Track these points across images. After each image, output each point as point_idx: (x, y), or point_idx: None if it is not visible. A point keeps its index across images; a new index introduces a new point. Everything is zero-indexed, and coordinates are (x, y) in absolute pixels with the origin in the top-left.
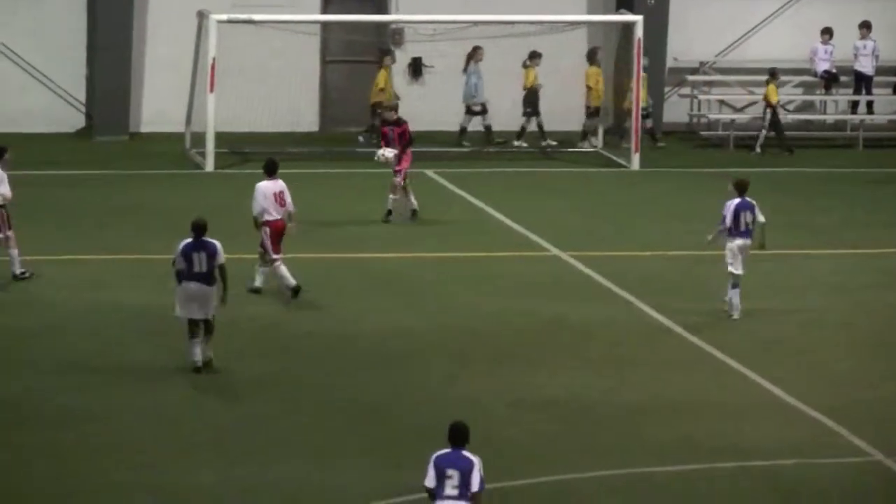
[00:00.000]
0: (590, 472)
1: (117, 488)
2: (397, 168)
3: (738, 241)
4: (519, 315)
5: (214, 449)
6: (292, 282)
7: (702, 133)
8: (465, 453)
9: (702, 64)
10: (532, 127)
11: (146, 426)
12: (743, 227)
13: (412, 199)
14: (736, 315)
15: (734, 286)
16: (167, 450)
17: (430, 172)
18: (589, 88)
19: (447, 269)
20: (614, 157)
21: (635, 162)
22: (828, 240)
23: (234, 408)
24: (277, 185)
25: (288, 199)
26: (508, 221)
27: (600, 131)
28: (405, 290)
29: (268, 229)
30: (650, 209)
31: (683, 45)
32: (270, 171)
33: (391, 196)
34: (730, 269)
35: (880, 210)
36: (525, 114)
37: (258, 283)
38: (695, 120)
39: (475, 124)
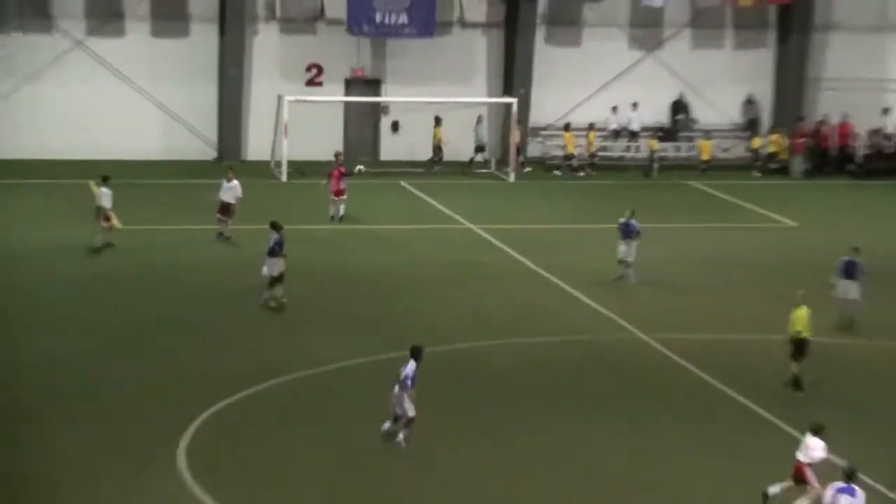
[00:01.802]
0: (478, 342)
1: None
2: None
3: None
4: (450, 259)
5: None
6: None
7: (548, 162)
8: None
9: (548, 125)
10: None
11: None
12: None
13: (342, 208)
14: (629, 274)
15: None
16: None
17: (403, 183)
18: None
19: (412, 234)
20: (500, 175)
21: (512, 177)
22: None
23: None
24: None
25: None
26: (445, 209)
27: (493, 160)
28: (389, 245)
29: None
30: (522, 203)
31: (538, 114)
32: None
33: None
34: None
35: (652, 205)
36: (475, 152)
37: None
38: (544, 154)
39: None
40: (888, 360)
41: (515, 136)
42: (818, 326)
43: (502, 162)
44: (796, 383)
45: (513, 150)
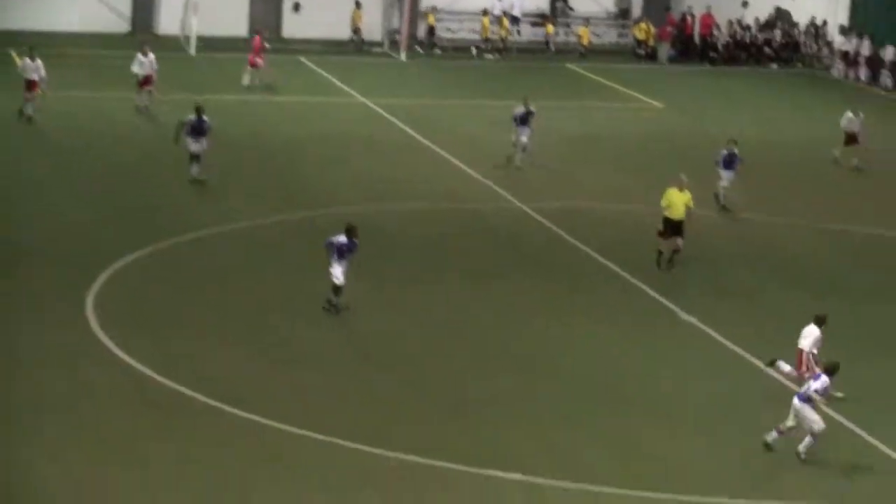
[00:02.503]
0: (369, 206)
1: None
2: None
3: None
4: (345, 130)
5: None
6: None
7: (436, 43)
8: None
9: (434, 8)
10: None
11: None
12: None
13: (255, 77)
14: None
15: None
16: None
17: (303, 59)
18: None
19: (313, 107)
20: (393, 54)
21: (403, 56)
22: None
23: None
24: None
25: None
26: (341, 84)
27: (387, 41)
28: (292, 116)
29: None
30: (411, 78)
31: None
32: None
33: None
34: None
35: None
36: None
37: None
38: (432, 36)
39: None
40: (759, 235)
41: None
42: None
43: (394, 42)
44: (667, 260)
45: (404, 31)
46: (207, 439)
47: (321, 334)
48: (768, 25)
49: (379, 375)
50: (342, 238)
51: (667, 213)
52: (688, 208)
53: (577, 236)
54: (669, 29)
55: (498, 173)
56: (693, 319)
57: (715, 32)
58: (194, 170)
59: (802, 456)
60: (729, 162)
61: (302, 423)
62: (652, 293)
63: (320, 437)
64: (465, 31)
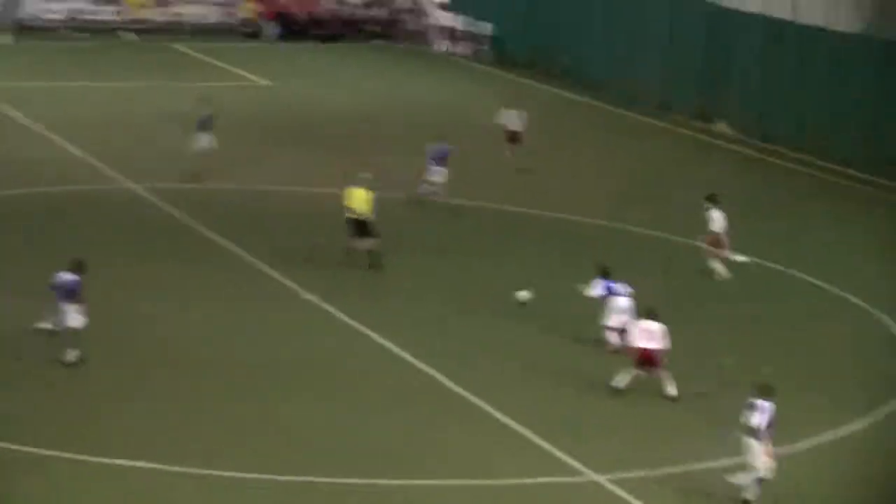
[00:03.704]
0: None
1: None
2: None
3: None
4: None
5: None
6: None
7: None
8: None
9: None
10: None
11: None
12: None
13: None
14: None
15: None
16: None
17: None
18: None
19: None
20: None
21: (10, 39)
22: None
23: None
24: None
25: None
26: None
27: None
28: None
29: None
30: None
31: None
32: None
33: None
34: None
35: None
36: None
37: None
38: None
39: None
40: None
41: None
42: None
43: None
44: (369, 264)
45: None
46: None
47: None
48: (372, 2)
49: None
50: (68, 276)
51: (349, 214)
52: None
53: (192, 216)
54: (273, 7)
55: (103, 153)
56: (314, 297)
57: (318, 9)
58: None
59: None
60: (441, 159)
61: None
62: (272, 272)
63: None
64: (62, 13)
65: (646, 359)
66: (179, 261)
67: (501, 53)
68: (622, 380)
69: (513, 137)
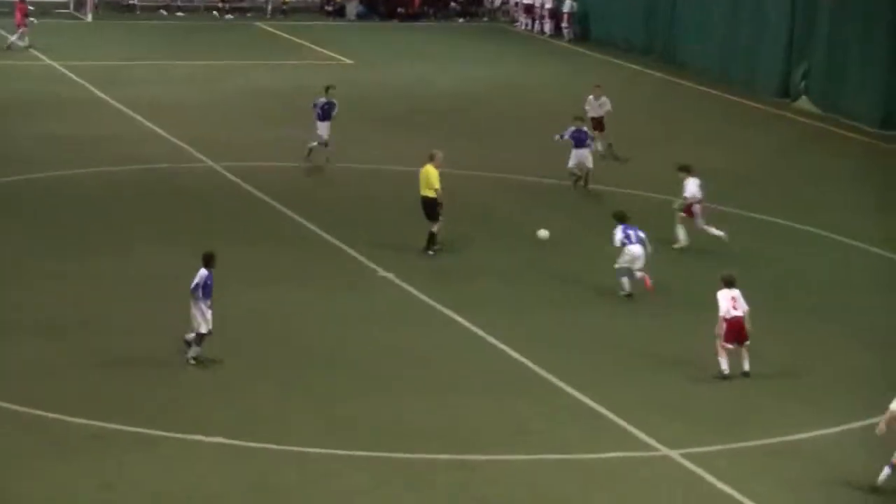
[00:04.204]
0: (66, 171)
1: None
2: None
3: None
4: (31, 90)
5: None
6: None
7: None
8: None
9: None
10: None
11: None
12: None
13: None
14: None
15: None
16: None
17: None
18: None
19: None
20: (79, 15)
21: (89, 17)
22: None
23: None
24: None
25: None
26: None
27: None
28: None
29: None
30: (99, 40)
31: None
32: None
33: None
34: None
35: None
36: None
37: None
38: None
39: None
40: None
41: None
42: None
43: (80, 3)
44: (429, 243)
45: None
46: None
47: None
48: None
49: (62, 344)
50: (203, 271)
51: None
52: (434, 189)
53: (272, 195)
54: None
55: (189, 134)
56: (391, 276)
57: None
58: None
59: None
60: (580, 140)
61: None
62: (350, 251)
63: (19, 408)
64: None
65: (736, 327)
66: (272, 244)
67: (586, 32)
68: (723, 363)
69: (597, 125)
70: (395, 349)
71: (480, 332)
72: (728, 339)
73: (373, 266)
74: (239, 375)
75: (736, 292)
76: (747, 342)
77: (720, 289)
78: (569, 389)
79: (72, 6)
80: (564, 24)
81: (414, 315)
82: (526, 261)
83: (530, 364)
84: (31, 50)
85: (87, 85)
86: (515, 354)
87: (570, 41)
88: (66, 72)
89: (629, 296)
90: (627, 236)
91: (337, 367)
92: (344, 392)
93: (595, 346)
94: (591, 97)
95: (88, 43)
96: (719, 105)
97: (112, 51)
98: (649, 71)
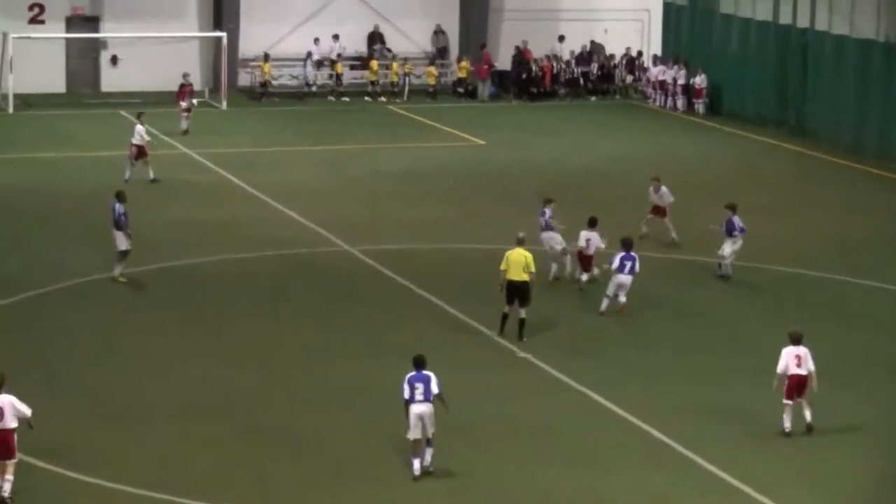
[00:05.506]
0: (198, 258)
1: None
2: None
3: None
4: (169, 179)
5: None
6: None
7: (258, 91)
8: (425, 372)
9: (258, 56)
10: None
11: None
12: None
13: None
14: None
15: None
16: None
17: (123, 112)
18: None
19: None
20: (213, 103)
21: (224, 104)
22: None
23: None
24: None
25: None
26: (164, 136)
27: (206, 90)
28: (111, 169)
29: None
30: (235, 124)
31: (247, 45)
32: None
33: None
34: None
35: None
36: None
37: None
38: (253, 84)
39: None
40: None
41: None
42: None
43: (215, 91)
44: (520, 330)
45: (224, 80)
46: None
47: (152, 386)
48: (584, 59)
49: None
50: (422, 373)
51: (506, 276)
52: (529, 272)
53: (407, 277)
54: (487, 66)
55: (323, 217)
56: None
57: (534, 68)
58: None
59: None
60: (729, 229)
61: (125, 478)
62: (489, 332)
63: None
64: (285, 78)
65: (798, 384)
66: (405, 325)
67: (717, 106)
68: (787, 420)
69: (656, 210)
70: (528, 424)
71: (611, 406)
72: (788, 395)
73: (511, 347)
74: (372, 449)
75: (803, 350)
76: (803, 397)
77: (786, 346)
78: (701, 462)
79: (206, 94)
80: (696, 99)
81: (545, 390)
82: (663, 335)
83: (659, 434)
84: (167, 137)
85: (221, 171)
86: (646, 426)
87: (702, 115)
88: (202, 159)
89: (601, 314)
90: (622, 266)
91: (470, 440)
92: (471, 466)
93: (729, 418)
94: (650, 189)
95: (223, 130)
96: (856, 175)
97: (247, 137)
98: (785, 145)
